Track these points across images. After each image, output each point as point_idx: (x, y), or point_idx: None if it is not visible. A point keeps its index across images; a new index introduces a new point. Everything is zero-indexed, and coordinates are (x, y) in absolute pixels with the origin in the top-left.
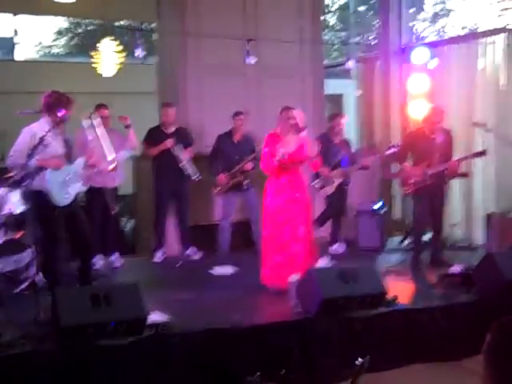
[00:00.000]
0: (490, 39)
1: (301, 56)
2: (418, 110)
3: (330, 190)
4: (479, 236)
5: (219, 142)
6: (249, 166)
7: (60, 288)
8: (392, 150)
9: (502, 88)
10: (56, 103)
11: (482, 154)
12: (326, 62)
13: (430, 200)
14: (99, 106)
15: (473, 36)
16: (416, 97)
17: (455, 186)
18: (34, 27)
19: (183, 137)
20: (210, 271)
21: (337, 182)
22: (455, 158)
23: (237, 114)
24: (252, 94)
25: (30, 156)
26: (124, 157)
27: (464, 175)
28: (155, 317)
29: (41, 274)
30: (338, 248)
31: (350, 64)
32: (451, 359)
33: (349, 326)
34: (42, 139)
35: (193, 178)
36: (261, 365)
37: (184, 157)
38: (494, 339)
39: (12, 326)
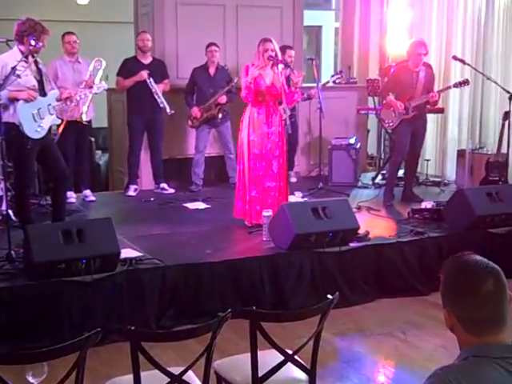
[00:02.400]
0: None
1: None
2: (397, 44)
3: None
4: (451, 172)
5: (194, 75)
6: (223, 99)
7: (32, 225)
8: (336, 77)
9: (481, 21)
10: (30, 31)
11: (464, 83)
12: None
13: (411, 133)
14: (66, 33)
15: None
16: (396, 29)
17: (430, 122)
18: None
19: (159, 69)
20: (184, 205)
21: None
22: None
23: (208, 45)
24: (230, 25)
25: (1, 87)
26: (100, 90)
27: (439, 110)
28: (128, 252)
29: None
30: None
31: None
32: (420, 294)
33: (320, 261)
34: (13, 69)
35: (167, 112)
36: (233, 300)
37: (159, 89)
38: (445, 277)
39: None
